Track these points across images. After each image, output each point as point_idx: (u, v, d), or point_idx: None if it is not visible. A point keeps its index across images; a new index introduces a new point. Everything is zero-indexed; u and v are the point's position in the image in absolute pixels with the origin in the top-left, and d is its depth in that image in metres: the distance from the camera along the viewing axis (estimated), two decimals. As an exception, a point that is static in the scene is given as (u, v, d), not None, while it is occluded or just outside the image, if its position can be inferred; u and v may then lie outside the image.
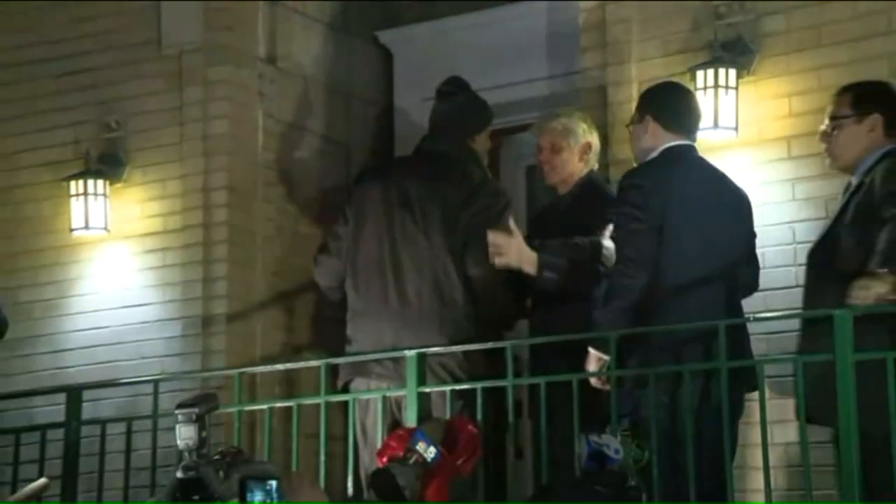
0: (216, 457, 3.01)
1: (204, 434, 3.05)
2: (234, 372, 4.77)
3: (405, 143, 6.50)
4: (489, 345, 4.52)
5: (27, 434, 4.98)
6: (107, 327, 5.94)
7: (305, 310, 6.07)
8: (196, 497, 2.94)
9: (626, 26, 5.44)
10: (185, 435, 3.03)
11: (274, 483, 2.81)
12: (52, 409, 5.10)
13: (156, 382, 4.83)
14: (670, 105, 4.47)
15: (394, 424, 4.52)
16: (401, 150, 6.48)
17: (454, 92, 4.91)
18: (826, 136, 4.28)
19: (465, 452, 4.13)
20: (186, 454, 2.98)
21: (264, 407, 4.71)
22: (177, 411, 3.04)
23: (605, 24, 5.47)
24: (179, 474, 2.96)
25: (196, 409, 3.05)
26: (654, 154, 4.42)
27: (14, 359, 5.96)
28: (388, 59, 6.64)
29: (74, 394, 4.87)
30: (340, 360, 4.83)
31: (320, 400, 4.60)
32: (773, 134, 5.12)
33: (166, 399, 5.05)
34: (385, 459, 4.12)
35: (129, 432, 4.84)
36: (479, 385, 4.40)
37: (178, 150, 6.00)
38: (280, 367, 5.33)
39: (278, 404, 4.86)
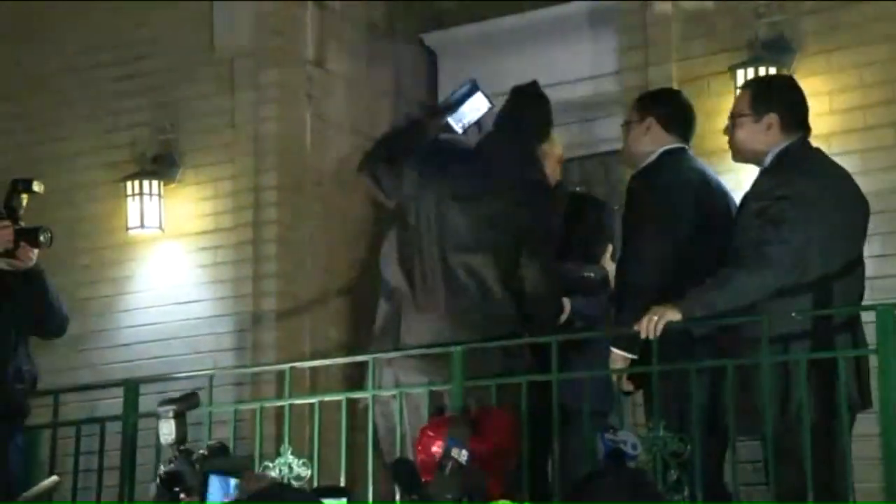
0: (202, 451, 3.12)
1: (184, 430, 3.18)
2: (285, 367, 4.77)
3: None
4: (532, 339, 4.47)
5: (87, 426, 5.03)
6: (161, 323, 5.99)
7: (353, 305, 6.10)
8: (177, 489, 3.06)
9: (667, 26, 5.42)
10: (165, 431, 3.15)
11: (234, 480, 2.89)
12: (111, 402, 5.13)
13: (210, 377, 4.87)
14: (673, 109, 4.38)
15: (438, 411, 4.52)
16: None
17: (530, 94, 4.80)
18: (727, 132, 4.24)
19: (495, 436, 4.09)
20: (168, 449, 3.07)
21: (313, 401, 4.69)
22: (158, 409, 3.15)
23: (646, 24, 5.46)
24: (161, 468, 3.07)
25: (174, 407, 3.12)
26: (653, 158, 4.33)
27: (74, 353, 6.01)
28: (432, 60, 6.65)
29: (132, 387, 4.89)
30: (388, 355, 4.71)
31: (367, 394, 4.59)
32: (814, 131, 4.98)
33: (219, 393, 5.07)
34: (421, 458, 4.12)
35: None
36: (523, 379, 4.37)
37: (229, 151, 6.04)
38: (328, 361, 5.32)
39: (326, 398, 4.80)
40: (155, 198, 6.04)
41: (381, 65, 6.49)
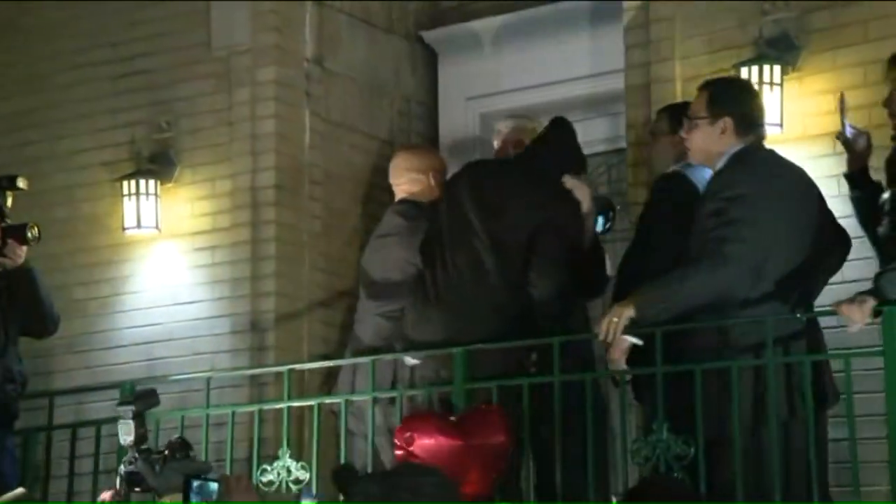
0: (161, 449, 3.16)
1: (143, 430, 3.22)
2: (284, 368, 4.76)
3: (450, 142, 6.49)
4: (536, 341, 4.46)
5: (83, 429, 4.99)
6: (158, 324, 5.95)
7: (354, 306, 6.05)
8: (137, 490, 3.10)
9: (670, 24, 5.38)
10: (124, 432, 3.18)
11: (215, 486, 2.90)
12: (107, 405, 5.11)
13: (208, 379, 4.82)
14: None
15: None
16: (445, 148, 6.46)
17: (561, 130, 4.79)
18: (685, 133, 4.31)
19: (481, 434, 4.07)
20: (128, 449, 3.12)
21: (312, 403, 4.68)
22: (117, 408, 3.18)
23: (649, 21, 5.42)
24: (121, 468, 3.09)
25: (132, 407, 3.13)
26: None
27: (69, 355, 5.98)
28: (432, 58, 6.61)
29: (128, 390, 4.86)
30: (389, 357, 4.79)
31: (368, 396, 4.56)
32: (819, 130, 5.04)
33: (217, 395, 5.05)
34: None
35: (182, 427, 4.85)
36: (525, 381, 4.34)
37: (226, 150, 6.01)
38: (328, 363, 5.31)
39: (327, 400, 4.82)
40: (152, 197, 6.00)
41: (380, 62, 6.46)
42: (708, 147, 4.25)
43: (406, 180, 5.11)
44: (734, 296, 4.04)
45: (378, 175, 6.37)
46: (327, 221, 6.10)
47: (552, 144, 4.73)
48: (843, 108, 4.40)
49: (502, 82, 6.29)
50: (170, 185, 6.06)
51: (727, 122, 4.21)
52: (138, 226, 6.01)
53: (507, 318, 4.49)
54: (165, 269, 6.04)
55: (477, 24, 6.46)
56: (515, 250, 4.52)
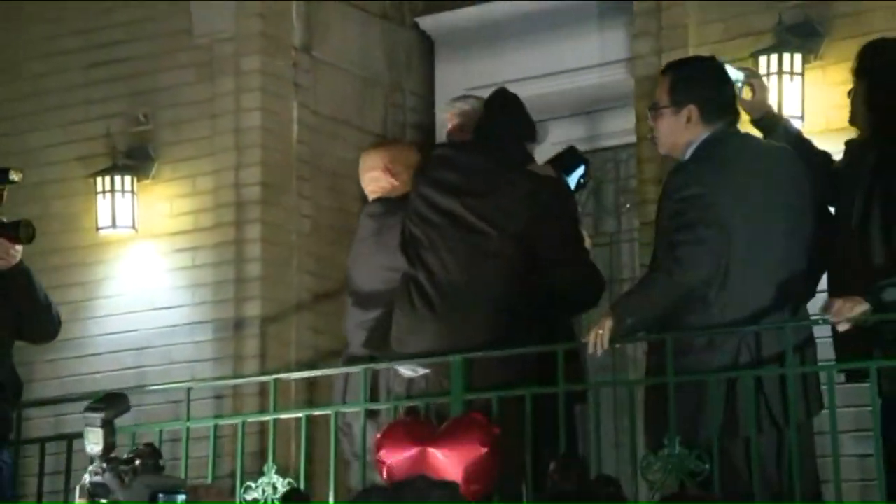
0: (128, 458, 3.12)
1: (112, 439, 3.16)
2: (269, 378, 4.72)
3: (447, 135, 6.42)
4: (539, 348, 4.42)
5: (52, 443, 4.95)
6: (135, 331, 5.95)
7: (344, 311, 6.01)
8: (103, 502, 3.06)
9: (683, 9, 5.36)
10: (92, 440, 3.14)
11: (182, 497, 2.90)
12: (79, 418, 5.03)
13: (188, 389, 4.78)
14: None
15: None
16: (442, 141, 6.41)
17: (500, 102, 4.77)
18: (651, 122, 4.28)
19: (460, 440, 4.06)
20: (95, 459, 3.08)
21: (300, 415, 4.65)
22: (84, 414, 3.13)
23: (660, 7, 5.40)
24: (86, 479, 3.06)
25: (101, 414, 3.06)
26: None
27: (38, 364, 5.94)
28: (429, 47, 6.59)
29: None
30: (382, 366, 4.74)
31: (359, 408, 4.52)
32: (842, 123, 4.92)
33: (198, 406, 5.00)
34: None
35: (160, 441, 4.79)
36: (527, 392, 4.30)
37: (209, 145, 5.99)
38: (317, 372, 5.28)
39: (315, 412, 4.80)
40: (128, 195, 5.97)
41: (373, 51, 6.44)
42: (674, 138, 4.19)
43: (372, 178, 5.10)
44: (701, 296, 4.05)
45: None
46: (317, 221, 6.08)
47: (504, 119, 4.68)
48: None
49: (504, 73, 6.24)
50: (147, 181, 6.05)
51: (692, 109, 4.13)
52: (113, 225, 5.99)
53: (512, 318, 4.45)
54: (142, 271, 6.02)
55: (477, 11, 6.44)
56: (515, 241, 4.49)
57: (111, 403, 3.23)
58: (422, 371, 4.48)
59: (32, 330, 4.65)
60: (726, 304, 4.05)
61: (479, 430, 4.18)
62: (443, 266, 4.50)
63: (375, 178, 5.09)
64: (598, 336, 4.12)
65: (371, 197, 5.15)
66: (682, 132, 4.16)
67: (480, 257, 4.47)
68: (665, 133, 4.21)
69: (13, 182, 4.53)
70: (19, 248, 4.49)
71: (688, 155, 4.18)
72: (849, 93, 4.30)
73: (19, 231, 4.47)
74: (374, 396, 4.66)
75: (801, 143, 4.34)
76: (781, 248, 4.10)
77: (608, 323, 4.11)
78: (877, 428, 3.89)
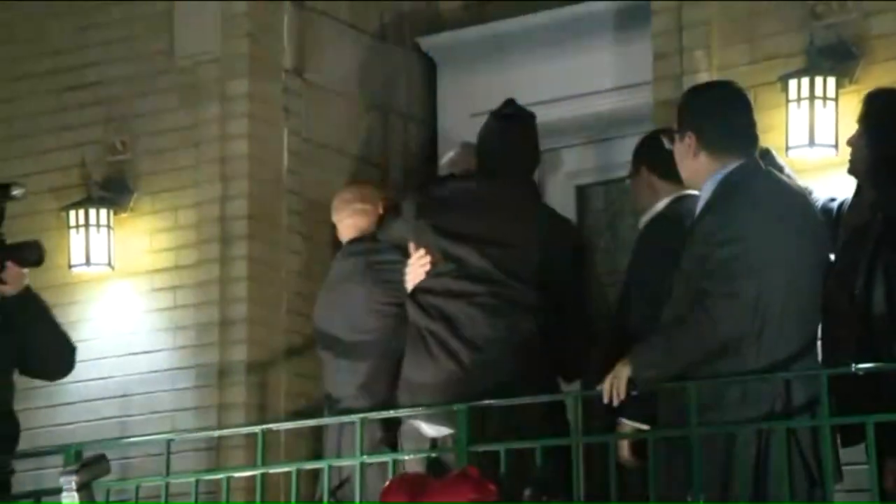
0: None
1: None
2: (257, 429, 4.73)
3: (451, 165, 6.45)
4: (550, 397, 4.46)
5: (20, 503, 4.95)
6: (110, 378, 5.95)
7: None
8: None
9: (706, 29, 5.40)
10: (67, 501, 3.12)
11: None
12: (49, 473, 5.04)
13: (168, 441, 4.79)
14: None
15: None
16: (445, 171, 6.43)
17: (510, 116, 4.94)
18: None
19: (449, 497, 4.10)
20: None
21: (290, 469, 4.65)
22: (60, 479, 3.19)
23: (681, 26, 5.43)
24: None
25: (76, 477, 3.10)
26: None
27: (6, 414, 5.97)
28: (431, 68, 6.63)
29: (74, 454, 4.82)
30: (380, 415, 4.79)
31: (355, 461, 4.53)
32: (880, 153, 5.03)
33: (179, 460, 5.02)
34: None
35: (136, 498, 4.81)
36: (538, 444, 4.33)
37: (192, 175, 6.02)
38: (309, 422, 5.30)
39: (307, 466, 4.83)
40: (103, 229, 6.00)
41: (370, 74, 6.47)
42: (682, 169, 4.27)
43: (361, 210, 5.24)
44: (736, 346, 4.06)
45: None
46: (308, 258, 6.11)
47: (520, 144, 4.82)
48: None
49: (510, 96, 6.28)
50: (125, 215, 6.08)
51: (690, 136, 4.18)
52: (87, 263, 6.02)
53: (537, 361, 4.59)
54: (119, 313, 6.03)
55: (482, 30, 6.48)
56: (539, 292, 4.61)
57: (88, 465, 3.24)
58: (446, 431, 4.54)
59: (46, 362, 4.68)
60: (760, 356, 4.07)
61: (469, 486, 4.21)
62: (469, 318, 4.59)
63: (364, 212, 5.17)
64: (613, 385, 4.13)
65: (350, 235, 5.28)
66: (689, 161, 4.21)
67: (508, 309, 4.59)
68: (678, 160, 4.28)
69: (15, 198, 4.53)
70: (26, 271, 4.49)
71: (708, 192, 4.20)
72: (849, 140, 4.35)
73: (25, 253, 4.47)
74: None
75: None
76: (807, 294, 4.14)
77: (625, 372, 4.12)
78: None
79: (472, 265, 4.65)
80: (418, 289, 4.72)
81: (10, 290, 4.49)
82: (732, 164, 4.15)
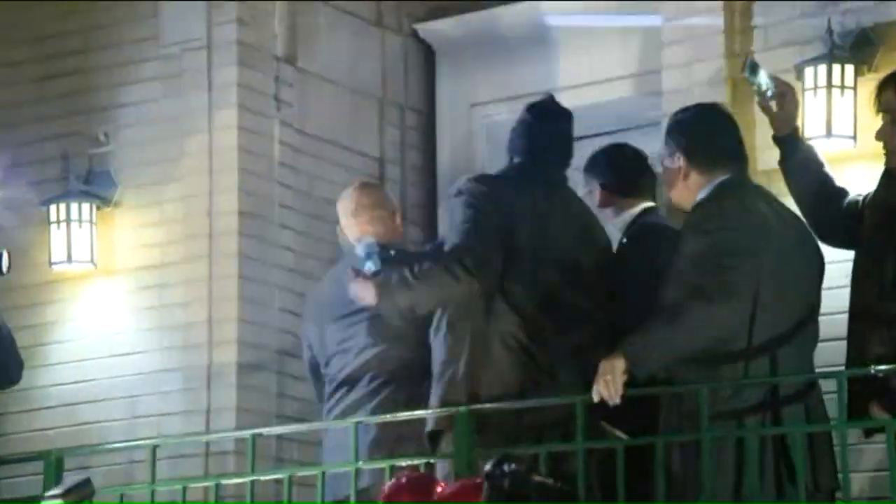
0: None
1: None
2: (247, 434, 4.73)
3: (448, 156, 6.47)
4: (556, 400, 4.47)
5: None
6: (93, 380, 5.95)
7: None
8: None
9: (718, 14, 5.38)
10: None
11: None
12: (28, 481, 5.07)
13: (153, 447, 4.79)
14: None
15: None
16: (443, 165, 6.45)
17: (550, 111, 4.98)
18: None
19: None
20: None
21: (283, 476, 4.65)
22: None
23: (693, 12, 5.42)
24: None
25: (60, 502, 3.12)
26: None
27: (-17, 419, 6.00)
28: (429, 57, 6.62)
29: (54, 461, 4.83)
30: (375, 420, 4.80)
31: (351, 468, 4.54)
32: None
33: (165, 467, 5.02)
34: None
35: (120, 506, 4.82)
36: (542, 449, 4.34)
37: (178, 168, 6.01)
38: (303, 427, 5.30)
39: (300, 472, 4.82)
40: (86, 225, 6.00)
41: (366, 62, 6.46)
42: (672, 186, 4.46)
43: (378, 217, 5.20)
44: (735, 338, 4.17)
45: (363, 198, 6.36)
46: (301, 254, 6.11)
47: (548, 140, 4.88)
48: (753, 65, 4.51)
49: (514, 86, 6.30)
50: (108, 209, 6.08)
51: (679, 157, 4.40)
52: (69, 260, 6.02)
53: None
54: (102, 312, 6.02)
55: (483, 17, 6.47)
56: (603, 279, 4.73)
57: (72, 490, 3.26)
58: None
59: None
60: (752, 340, 4.18)
61: (475, 498, 4.21)
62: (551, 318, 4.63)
63: (381, 219, 5.15)
64: (607, 384, 4.18)
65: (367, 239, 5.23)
66: (679, 183, 4.41)
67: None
68: (667, 182, 4.47)
69: None
70: None
71: (701, 197, 4.38)
72: (879, 134, 4.38)
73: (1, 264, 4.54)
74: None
75: (820, 177, 4.49)
76: (794, 282, 4.25)
77: (619, 366, 4.16)
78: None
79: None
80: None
81: None
82: (722, 178, 4.38)
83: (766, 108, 4.52)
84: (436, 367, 4.67)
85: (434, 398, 4.64)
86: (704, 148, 4.37)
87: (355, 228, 5.22)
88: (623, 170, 4.95)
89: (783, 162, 4.52)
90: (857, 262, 4.36)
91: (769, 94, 4.47)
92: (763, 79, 4.47)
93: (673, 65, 5.48)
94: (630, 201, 4.90)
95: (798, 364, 4.28)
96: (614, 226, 4.94)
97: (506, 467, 3.77)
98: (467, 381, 4.60)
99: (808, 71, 5.13)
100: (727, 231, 4.21)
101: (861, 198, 4.51)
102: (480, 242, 4.61)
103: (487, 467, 3.91)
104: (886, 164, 4.43)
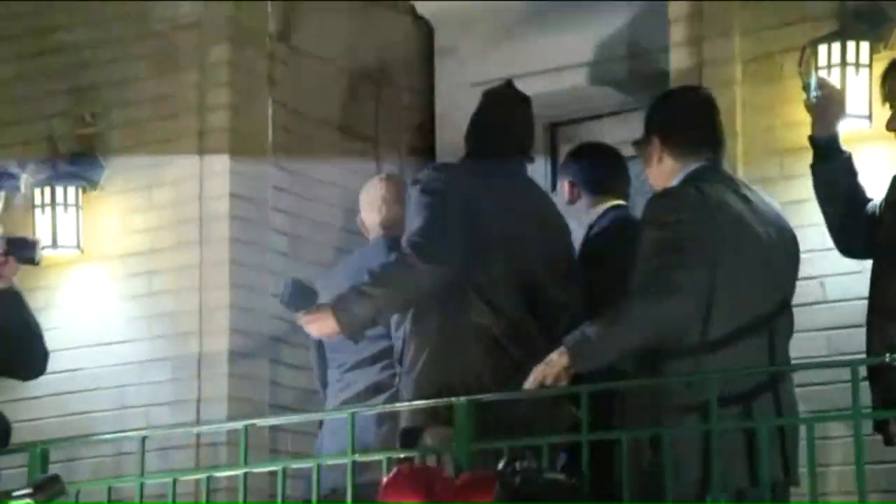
0: None
1: None
2: (240, 425, 4.70)
3: (448, 138, 6.42)
4: (560, 391, 4.44)
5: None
6: (79, 370, 5.92)
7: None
8: None
9: (728, -10, 5.38)
10: None
11: None
12: (13, 473, 5.02)
13: (142, 439, 4.77)
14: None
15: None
16: (443, 146, 6.42)
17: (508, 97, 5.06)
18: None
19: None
20: None
21: (276, 468, 4.63)
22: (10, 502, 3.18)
23: (701, -13, 5.44)
24: None
25: (32, 502, 3.29)
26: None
27: (-35, 409, 5.97)
28: (428, 34, 6.61)
29: (39, 452, 4.81)
30: (372, 410, 4.81)
31: (346, 460, 4.51)
32: (918, 123, 4.99)
33: (154, 459, 5.04)
34: None
35: (108, 500, 4.78)
36: (543, 441, 4.33)
37: (168, 149, 5.99)
38: (297, 417, 5.29)
39: (294, 465, 4.81)
40: (72, 209, 5.99)
41: (362, 40, 6.44)
42: (648, 172, 4.49)
43: (390, 213, 5.32)
44: (682, 334, 4.21)
45: (359, 181, 6.30)
46: (295, 239, 6.09)
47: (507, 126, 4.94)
48: (805, 62, 4.60)
49: (515, 65, 6.28)
50: (95, 193, 6.06)
51: (654, 143, 4.44)
52: (54, 245, 5.99)
53: None
54: (89, 299, 6.01)
55: (484, -8, 6.47)
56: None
57: (41, 487, 3.25)
58: None
59: (21, 361, 4.77)
60: (707, 333, 4.21)
61: (486, 495, 4.19)
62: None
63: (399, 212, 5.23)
64: (543, 374, 4.24)
65: (383, 231, 5.32)
66: (654, 166, 4.44)
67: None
68: (644, 165, 4.51)
69: (17, 191, 4.82)
70: (18, 268, 4.69)
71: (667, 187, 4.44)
72: (889, 124, 4.35)
73: (25, 251, 4.71)
74: None
75: (850, 190, 4.47)
76: (751, 276, 4.27)
77: (561, 362, 4.24)
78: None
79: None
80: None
81: (2, 284, 4.60)
82: (695, 166, 4.38)
83: (810, 108, 4.51)
84: (405, 361, 4.71)
85: (406, 393, 4.68)
86: (678, 133, 4.41)
87: (376, 222, 5.32)
88: (594, 168, 5.12)
89: (815, 166, 4.50)
90: (875, 263, 4.36)
91: (814, 93, 4.47)
92: (812, 78, 4.54)
93: (680, 42, 5.45)
94: (599, 198, 5.08)
95: (768, 357, 4.28)
96: (580, 223, 5.06)
97: (518, 465, 3.75)
98: (440, 374, 4.62)
99: (822, 48, 5.11)
100: (683, 224, 4.24)
101: (879, 202, 4.48)
102: (439, 230, 4.63)
103: (500, 465, 3.90)
104: None
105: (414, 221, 4.70)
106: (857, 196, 4.47)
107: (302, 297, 4.75)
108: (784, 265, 4.37)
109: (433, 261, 4.59)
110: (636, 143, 4.53)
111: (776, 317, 4.31)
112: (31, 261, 4.70)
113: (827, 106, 4.48)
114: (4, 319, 4.66)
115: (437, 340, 4.64)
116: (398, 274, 4.65)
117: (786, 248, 4.38)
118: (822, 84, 4.51)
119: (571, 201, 5.10)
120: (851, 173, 4.49)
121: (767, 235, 4.33)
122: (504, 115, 4.90)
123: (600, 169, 5.11)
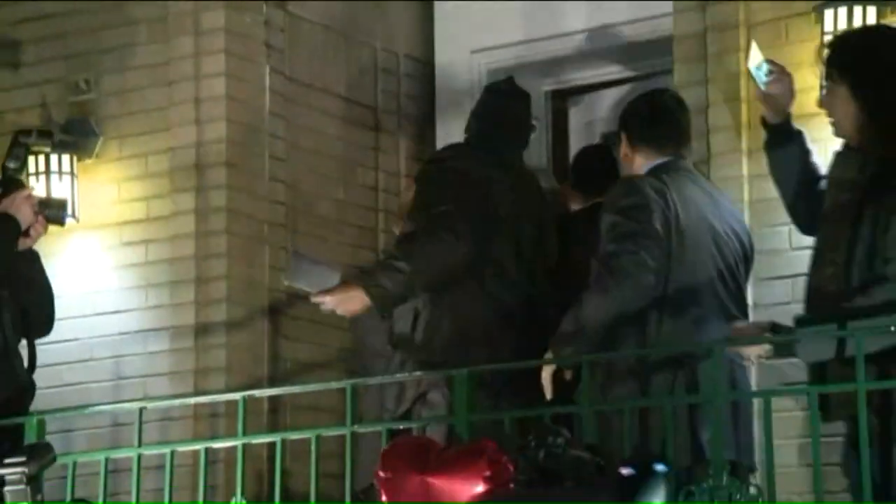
0: None
1: (39, 497, 3.26)
2: (238, 396, 4.70)
3: (448, 107, 6.45)
4: (558, 360, 4.52)
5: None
6: (76, 340, 5.94)
7: (325, 316, 6.03)
8: None
9: (732, -46, 5.37)
10: (14, 498, 3.23)
11: None
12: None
13: (139, 410, 4.79)
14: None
15: None
16: (443, 115, 6.44)
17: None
18: None
19: (459, 473, 4.13)
20: None
21: (274, 439, 4.67)
22: (2, 472, 3.19)
23: (706, -49, 5.42)
24: None
25: (24, 469, 3.23)
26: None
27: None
28: (427, 2, 6.59)
29: (36, 423, 4.79)
30: (370, 381, 4.84)
31: (346, 431, 4.55)
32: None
33: (152, 430, 5.01)
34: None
35: (105, 471, 4.83)
36: (545, 411, 4.37)
37: (164, 117, 6.00)
38: (295, 389, 5.34)
39: (292, 436, 4.82)
40: (66, 177, 5.99)
41: (360, 5, 6.45)
42: (622, 169, 4.86)
43: None
44: (634, 319, 4.50)
45: (358, 150, 6.37)
46: (292, 208, 6.11)
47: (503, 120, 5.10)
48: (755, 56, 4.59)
49: (517, 31, 6.30)
50: (90, 161, 6.07)
51: (623, 139, 4.76)
52: (49, 213, 6.02)
53: None
54: (85, 269, 6.02)
55: (483, -42, 6.47)
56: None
57: (33, 456, 3.27)
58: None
59: (37, 320, 4.79)
60: (662, 321, 4.49)
61: (485, 462, 4.22)
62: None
63: None
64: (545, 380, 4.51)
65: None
66: (626, 164, 4.77)
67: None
68: (621, 160, 4.86)
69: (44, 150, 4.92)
70: (44, 230, 4.72)
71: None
72: (821, 101, 4.36)
73: (55, 211, 4.72)
74: None
75: (805, 169, 4.49)
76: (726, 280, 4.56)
77: (547, 355, 4.51)
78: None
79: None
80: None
81: (29, 243, 4.67)
82: (659, 161, 4.68)
83: (764, 97, 4.57)
84: (418, 333, 4.81)
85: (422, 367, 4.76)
86: (644, 135, 4.71)
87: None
88: (586, 172, 5.53)
89: (769, 149, 4.57)
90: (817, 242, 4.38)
91: (763, 77, 4.53)
92: (754, 58, 4.55)
93: (682, 8, 5.44)
94: (590, 198, 5.36)
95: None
96: None
97: (550, 439, 3.80)
98: (458, 347, 4.73)
99: (828, 13, 5.10)
100: (637, 210, 4.51)
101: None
102: (459, 208, 4.78)
103: (529, 438, 3.98)
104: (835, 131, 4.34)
105: (433, 199, 4.81)
106: (811, 173, 4.50)
107: (315, 274, 4.82)
108: (734, 260, 4.61)
109: (461, 238, 4.75)
110: (611, 140, 4.79)
111: (727, 306, 4.54)
112: (59, 221, 4.77)
113: (779, 89, 4.52)
114: (34, 275, 4.72)
115: (456, 315, 4.76)
116: (431, 246, 4.75)
117: (741, 244, 4.65)
118: (772, 67, 4.55)
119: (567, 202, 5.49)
120: (805, 151, 4.53)
121: (724, 229, 4.59)
122: (505, 111, 5.06)
123: (593, 173, 5.50)
